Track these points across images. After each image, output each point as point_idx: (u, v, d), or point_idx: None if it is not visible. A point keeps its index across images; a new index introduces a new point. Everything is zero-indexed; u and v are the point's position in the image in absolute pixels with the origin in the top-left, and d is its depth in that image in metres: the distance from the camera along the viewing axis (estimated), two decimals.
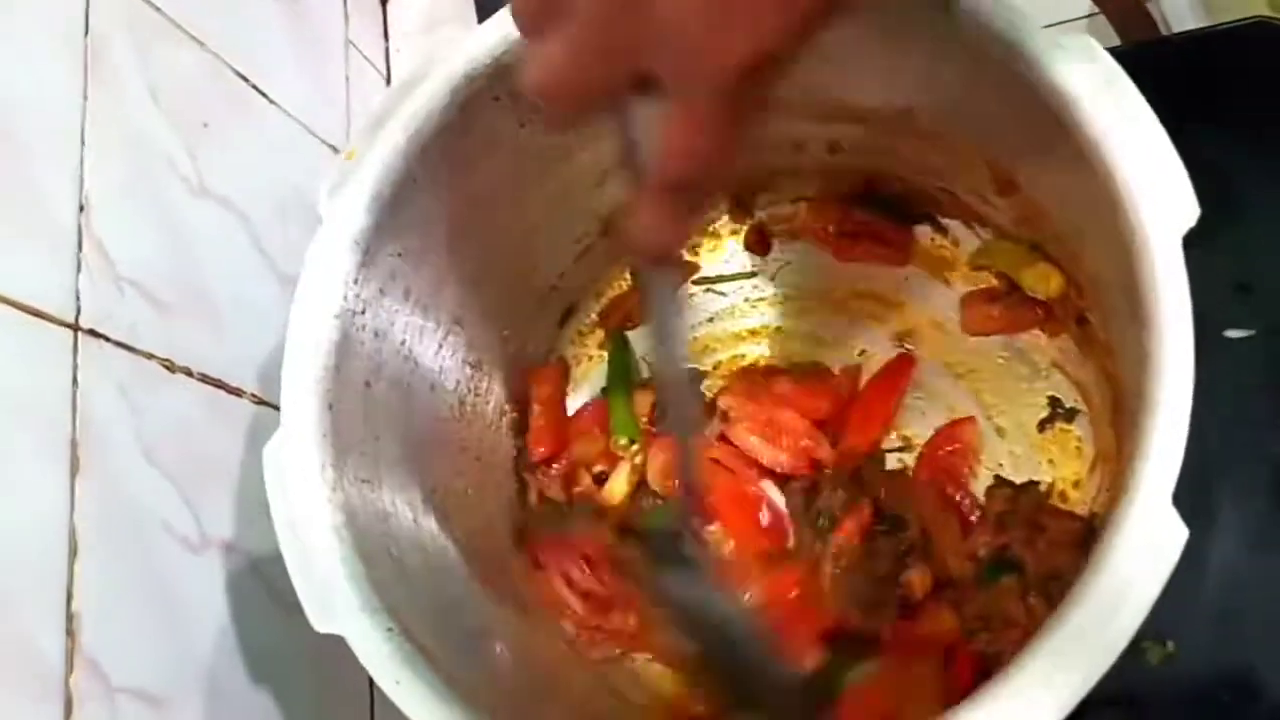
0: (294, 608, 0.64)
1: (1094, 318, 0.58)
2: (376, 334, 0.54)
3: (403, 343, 0.56)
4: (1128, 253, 0.43)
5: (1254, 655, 0.57)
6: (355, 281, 0.52)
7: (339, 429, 0.50)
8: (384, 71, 0.91)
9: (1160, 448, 0.40)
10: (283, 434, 0.50)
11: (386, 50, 0.92)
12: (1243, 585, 0.57)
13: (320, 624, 0.47)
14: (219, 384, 0.65)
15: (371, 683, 0.70)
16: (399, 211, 0.53)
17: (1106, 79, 0.45)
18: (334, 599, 0.47)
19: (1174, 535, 0.39)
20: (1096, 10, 0.76)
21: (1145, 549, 0.39)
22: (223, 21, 0.71)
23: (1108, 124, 0.44)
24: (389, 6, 0.93)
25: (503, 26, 0.51)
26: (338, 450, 0.50)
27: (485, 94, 0.53)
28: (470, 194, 0.57)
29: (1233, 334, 0.60)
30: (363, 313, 0.53)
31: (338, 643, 0.56)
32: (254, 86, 0.74)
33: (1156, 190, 0.43)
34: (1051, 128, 0.46)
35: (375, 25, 0.92)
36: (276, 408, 0.67)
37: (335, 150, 0.82)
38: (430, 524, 0.56)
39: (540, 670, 0.58)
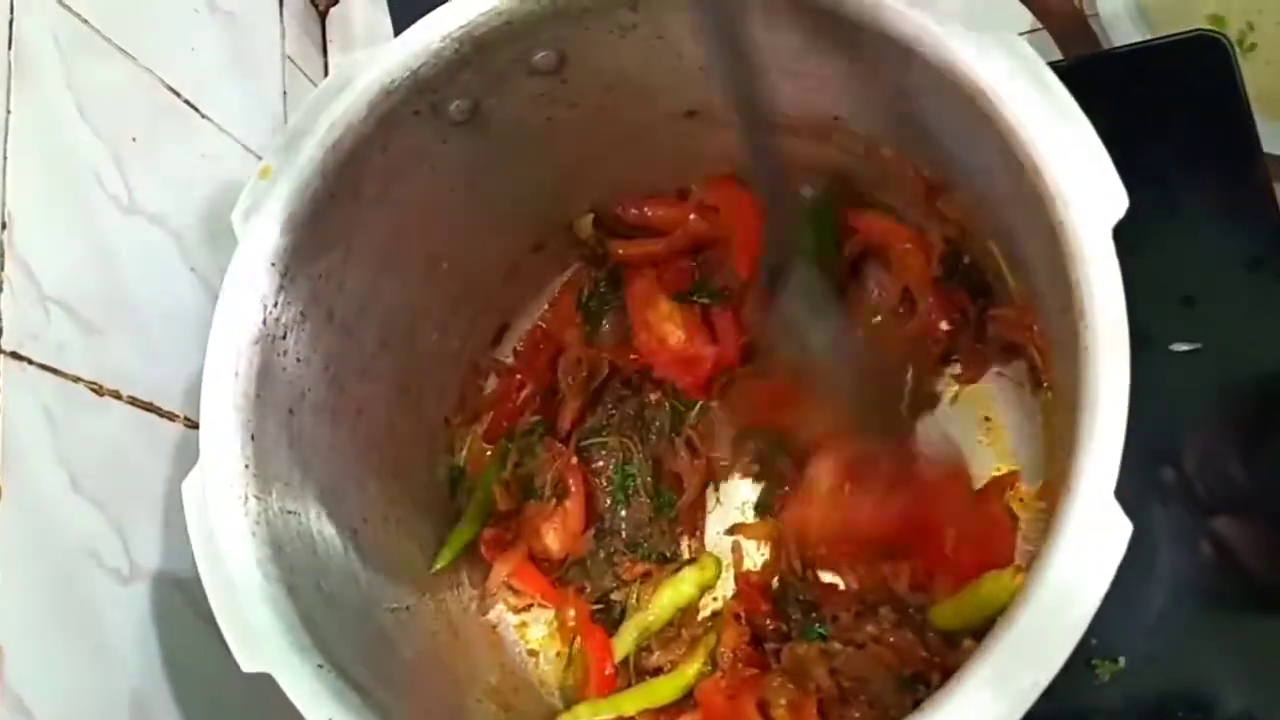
0: None
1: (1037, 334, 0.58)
2: (299, 359, 0.53)
3: (326, 368, 0.55)
4: (1059, 254, 0.43)
5: (1205, 669, 0.57)
6: (275, 305, 0.51)
7: (262, 460, 0.48)
8: None
9: (1100, 443, 0.40)
10: (202, 467, 0.48)
11: (325, 65, 0.91)
12: (1192, 600, 0.58)
13: (247, 663, 0.45)
14: (150, 407, 0.63)
15: None
16: (318, 231, 0.51)
17: (1030, 74, 0.45)
18: (260, 637, 0.45)
19: (1118, 528, 0.39)
20: (1038, 25, 0.77)
21: (1091, 544, 0.39)
22: (154, 35, 0.70)
23: (1033, 119, 0.44)
24: (327, 21, 0.91)
25: (420, 38, 0.51)
26: (260, 482, 0.48)
27: (404, 107, 0.52)
28: (394, 210, 0.56)
29: (1179, 347, 0.60)
30: (284, 337, 0.51)
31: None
32: (186, 101, 0.72)
33: (1085, 182, 0.43)
34: (977, 125, 0.46)
35: (313, 39, 0.91)
36: None
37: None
38: (362, 554, 0.55)
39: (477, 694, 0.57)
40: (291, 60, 0.86)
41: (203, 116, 0.74)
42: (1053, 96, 0.45)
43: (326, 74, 0.91)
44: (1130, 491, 0.40)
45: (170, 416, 0.64)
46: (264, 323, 0.50)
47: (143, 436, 0.63)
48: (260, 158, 0.77)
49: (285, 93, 0.84)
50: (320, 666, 0.44)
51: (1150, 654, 0.57)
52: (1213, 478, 0.58)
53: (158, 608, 0.60)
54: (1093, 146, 0.44)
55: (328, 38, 0.92)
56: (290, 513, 0.48)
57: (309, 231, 0.50)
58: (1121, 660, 0.57)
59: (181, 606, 0.62)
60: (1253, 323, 0.61)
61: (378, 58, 0.50)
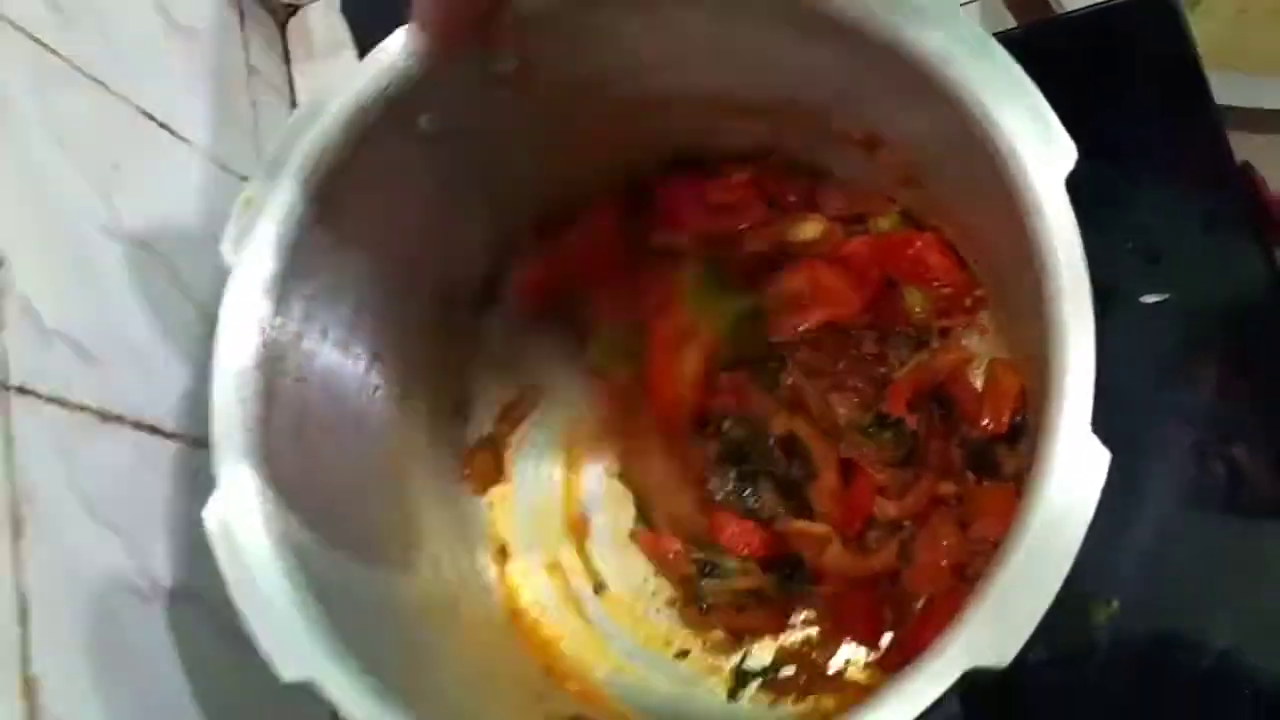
0: (248, 647, 0.65)
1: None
2: (298, 379, 0.54)
3: (325, 385, 0.57)
4: (1015, 209, 0.45)
5: (1194, 607, 0.60)
6: (271, 328, 0.52)
7: (276, 480, 0.50)
8: (289, 97, 0.91)
9: (1072, 380, 0.42)
10: (221, 493, 0.50)
11: (289, 75, 0.92)
12: (1177, 540, 0.61)
13: (288, 673, 0.47)
14: (153, 429, 0.65)
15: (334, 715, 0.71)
16: (305, 253, 0.53)
17: (970, 41, 0.47)
18: (297, 646, 0.47)
19: (1097, 458, 0.41)
20: None
21: (1072, 478, 0.41)
22: (123, 61, 0.71)
23: (975, 79, 0.46)
24: (287, 31, 0.92)
25: (386, 58, 0.53)
26: (277, 499, 0.50)
27: (377, 126, 0.53)
28: (373, 224, 0.58)
29: (1149, 299, 0.63)
30: (283, 359, 0.53)
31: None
32: (160, 123, 0.73)
33: (1033, 139, 0.45)
34: (922, 89, 0.48)
35: (275, 51, 0.92)
36: None
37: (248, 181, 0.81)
38: (380, 561, 0.57)
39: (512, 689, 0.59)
40: (257, 71, 0.87)
41: (176, 137, 0.75)
42: (995, 60, 0.47)
43: (291, 84, 0.92)
44: (1107, 440, 0.42)
45: (173, 436, 0.66)
46: (263, 346, 0.52)
47: (148, 458, 0.64)
48: (236, 174, 0.80)
49: (255, 105, 0.85)
50: (358, 669, 0.46)
51: (1141, 596, 0.59)
52: (1205, 416, 0.61)
53: (177, 624, 0.62)
54: (1038, 106, 0.46)
55: (289, 47, 0.93)
56: (309, 525, 0.50)
57: (297, 254, 0.53)
58: (1115, 603, 0.60)
59: (200, 620, 0.64)
60: (1215, 269, 0.64)
61: (348, 81, 0.52)
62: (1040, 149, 0.44)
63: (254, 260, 0.52)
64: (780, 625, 0.64)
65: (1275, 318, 0.62)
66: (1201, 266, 0.64)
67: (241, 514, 0.48)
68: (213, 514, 0.49)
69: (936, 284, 0.61)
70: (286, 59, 0.93)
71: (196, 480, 0.66)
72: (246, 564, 0.47)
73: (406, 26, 0.50)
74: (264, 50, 0.90)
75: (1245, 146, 0.68)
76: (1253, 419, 0.61)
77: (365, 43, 0.54)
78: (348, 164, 0.52)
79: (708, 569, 0.64)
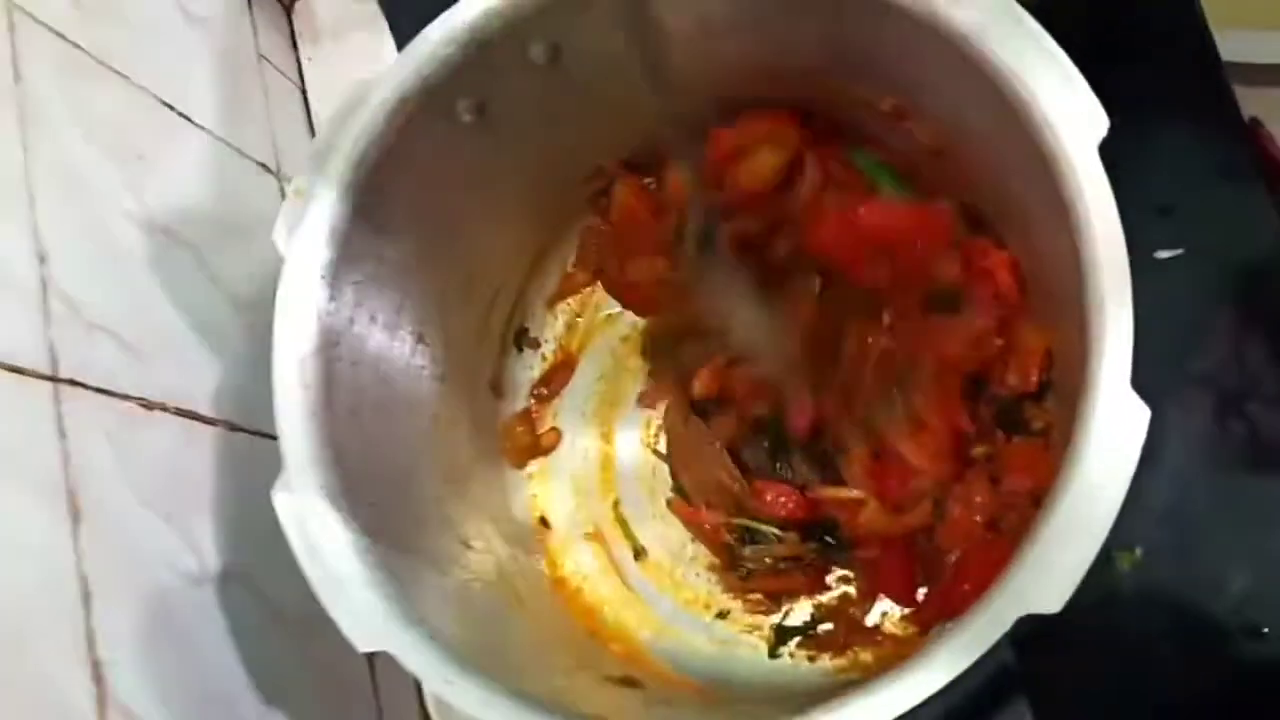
0: (293, 623, 0.67)
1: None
2: (353, 362, 0.56)
3: (377, 367, 0.59)
4: (1050, 176, 0.47)
5: (1213, 554, 0.63)
6: (327, 314, 0.54)
7: (340, 460, 0.52)
8: (298, 81, 0.92)
9: (1112, 340, 0.45)
10: (288, 475, 0.52)
11: (297, 60, 0.92)
12: (1196, 491, 0.63)
13: (363, 645, 0.49)
14: (193, 415, 0.66)
15: (375, 685, 0.73)
16: (355, 240, 0.55)
17: (1001, 9, 0.49)
18: (372, 619, 0.49)
19: (1138, 415, 0.44)
20: None
21: (1115, 434, 0.44)
22: (142, 52, 0.72)
23: (1010, 51, 0.48)
24: (294, 16, 0.93)
25: (425, 47, 0.54)
26: (344, 479, 0.52)
27: (418, 114, 0.55)
28: (415, 209, 0.59)
29: (1163, 254, 0.65)
30: (337, 344, 0.55)
31: (338, 653, 0.59)
32: (180, 113, 0.74)
33: (1067, 108, 0.47)
34: (957, 63, 0.49)
35: (283, 35, 0.92)
36: (250, 432, 0.70)
37: (263, 166, 0.82)
38: (434, 534, 0.59)
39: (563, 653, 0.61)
40: (266, 59, 0.88)
41: (196, 126, 0.76)
42: (1027, 32, 0.48)
43: (299, 68, 0.92)
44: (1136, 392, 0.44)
45: (211, 422, 0.67)
46: (320, 332, 0.54)
47: (191, 444, 0.66)
48: (252, 159, 0.81)
49: (266, 91, 0.86)
50: (430, 638, 0.48)
51: (1163, 544, 0.62)
52: (1221, 369, 0.63)
53: (227, 605, 0.64)
54: (1071, 75, 0.48)
55: (296, 30, 0.93)
56: (371, 504, 0.52)
57: (347, 242, 0.54)
58: (1138, 551, 0.62)
59: (251, 603, 0.66)
60: (1227, 224, 0.66)
61: (390, 71, 0.54)
62: (1075, 119, 0.46)
63: (307, 249, 0.53)
64: (817, 586, 0.66)
65: None
66: (1213, 221, 0.66)
67: (310, 496, 0.50)
68: (282, 497, 0.50)
69: (996, 300, 0.61)
70: (294, 44, 0.93)
71: (237, 466, 0.68)
72: (317, 544, 0.49)
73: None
74: (272, 36, 0.90)
75: (1251, 101, 0.70)
76: (1269, 371, 0.63)
77: (401, 29, 0.55)
78: (391, 152, 0.54)
79: (747, 538, 0.66)
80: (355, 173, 0.53)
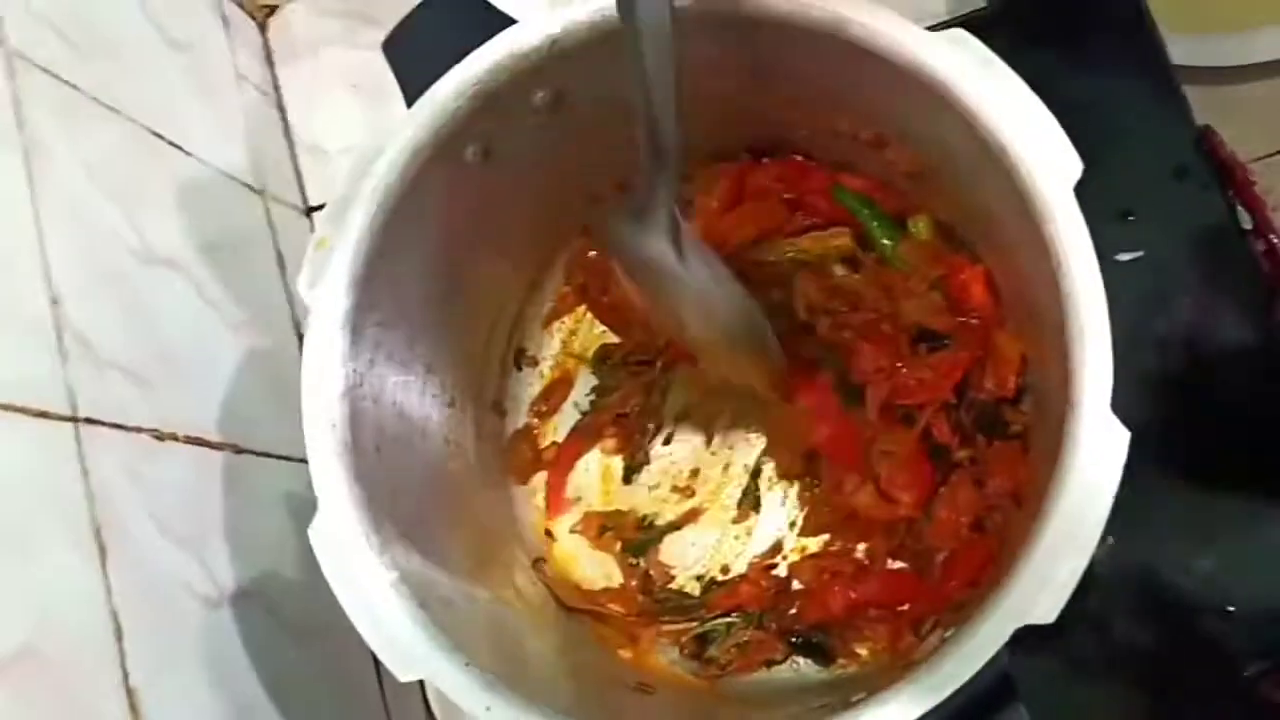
0: (304, 636, 0.70)
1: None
2: (374, 401, 0.59)
3: (394, 402, 0.61)
4: (1028, 212, 0.51)
5: (1178, 535, 0.66)
6: (350, 359, 0.57)
7: (369, 497, 0.55)
8: (275, 98, 0.93)
9: (1094, 367, 0.48)
10: (323, 515, 0.54)
11: (274, 77, 0.93)
12: (1157, 479, 0.66)
13: (403, 674, 0.52)
14: (202, 442, 0.68)
15: (383, 691, 0.76)
16: (373, 286, 0.57)
17: (981, 60, 0.52)
18: (410, 649, 0.52)
19: (1119, 437, 0.47)
20: None
21: (1098, 456, 0.47)
22: (131, 85, 0.73)
23: (986, 96, 0.51)
24: (268, 34, 0.94)
25: (438, 100, 0.57)
26: (373, 516, 0.54)
27: (430, 164, 0.58)
28: (424, 249, 0.62)
29: (1124, 257, 0.69)
30: (360, 385, 0.57)
31: (346, 662, 0.60)
32: (171, 143, 0.76)
33: (1044, 152, 0.51)
34: (937, 105, 0.53)
35: (257, 53, 0.93)
36: (253, 453, 0.72)
37: (249, 187, 0.84)
38: (454, 559, 0.61)
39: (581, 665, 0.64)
40: (244, 77, 0.89)
41: (186, 154, 0.77)
42: (1003, 78, 0.52)
43: (276, 85, 0.93)
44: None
45: (218, 447, 0.69)
46: (345, 376, 0.56)
47: (200, 470, 0.68)
48: (239, 181, 0.82)
49: (245, 110, 0.87)
50: (466, 664, 0.51)
51: (1134, 532, 0.65)
52: (1183, 364, 0.67)
53: (245, 626, 0.66)
54: (1045, 120, 0.51)
55: (271, 48, 0.94)
56: (401, 536, 0.55)
57: (366, 288, 0.57)
58: (1111, 539, 0.66)
59: (264, 619, 0.68)
60: (1183, 225, 0.70)
61: (403, 124, 0.57)
62: (1051, 162, 0.50)
63: (331, 298, 0.56)
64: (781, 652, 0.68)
65: (1241, 271, 0.67)
66: (1171, 224, 0.70)
67: (344, 532, 0.53)
68: (317, 533, 0.53)
69: (972, 314, 0.64)
70: (269, 61, 0.94)
71: (247, 488, 0.70)
72: (354, 579, 0.52)
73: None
74: (248, 54, 0.91)
75: (1200, 101, 0.73)
76: (1227, 365, 0.67)
77: (408, 81, 0.57)
78: (404, 199, 0.57)
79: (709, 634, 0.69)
80: (373, 222, 0.56)
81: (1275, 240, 0.68)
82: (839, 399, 0.68)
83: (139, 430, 0.63)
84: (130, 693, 0.56)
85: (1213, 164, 0.70)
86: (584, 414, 0.75)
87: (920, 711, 0.45)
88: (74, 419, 0.58)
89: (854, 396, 0.67)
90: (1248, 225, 0.70)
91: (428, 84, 0.56)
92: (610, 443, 0.74)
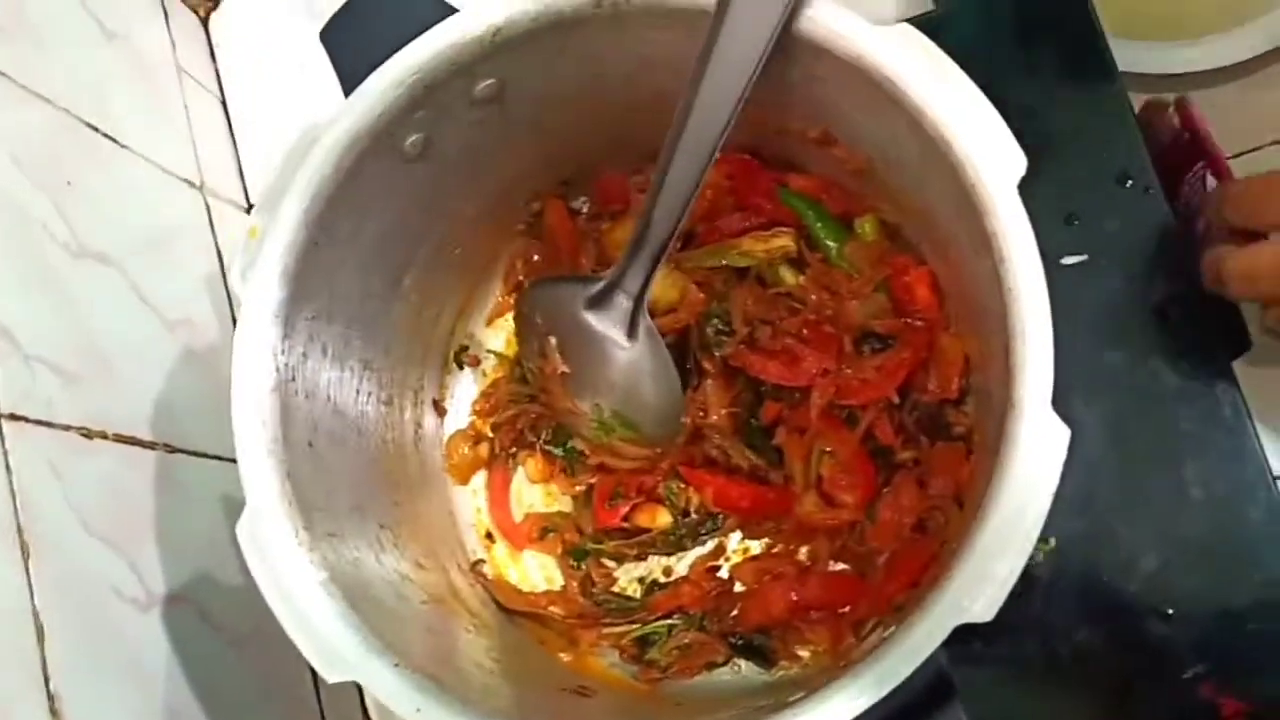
0: (237, 640, 0.69)
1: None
2: (307, 395, 0.57)
3: (329, 398, 0.60)
4: (972, 209, 0.51)
5: (1123, 535, 0.66)
6: (282, 352, 0.55)
7: (299, 493, 0.53)
8: (218, 93, 0.91)
9: (1034, 365, 0.48)
10: (251, 511, 0.53)
11: (216, 71, 0.92)
12: (1104, 478, 0.66)
13: (331, 675, 0.50)
14: (133, 440, 0.67)
15: (319, 697, 0.75)
16: (307, 278, 0.56)
17: (928, 57, 0.52)
18: (339, 651, 0.50)
19: (1059, 435, 0.47)
20: None
21: (1038, 454, 0.47)
22: (62, 73, 0.71)
23: (933, 94, 0.51)
24: (210, 27, 0.92)
25: (375, 89, 0.55)
26: (303, 513, 0.53)
27: (367, 154, 0.56)
28: (363, 243, 0.61)
29: (1068, 260, 0.69)
30: (293, 379, 0.56)
31: (282, 667, 0.59)
32: (105, 135, 0.74)
33: (988, 149, 0.50)
34: (884, 102, 0.53)
35: (201, 47, 0.92)
36: (187, 452, 0.70)
37: (189, 184, 0.82)
38: (389, 559, 0.60)
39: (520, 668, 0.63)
40: (186, 72, 0.87)
41: (120, 146, 0.76)
42: (951, 78, 0.52)
43: (219, 79, 0.92)
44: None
45: (150, 446, 0.68)
46: (277, 370, 0.55)
47: (131, 469, 0.66)
48: (176, 176, 0.81)
49: (186, 106, 0.86)
50: (396, 665, 0.49)
51: (1076, 532, 0.65)
52: (1127, 366, 0.67)
53: (175, 629, 0.65)
54: (990, 118, 0.51)
55: (213, 41, 0.93)
56: (331, 535, 0.53)
57: (300, 280, 0.56)
58: (1053, 540, 0.66)
59: (196, 623, 0.67)
60: (1128, 228, 0.70)
61: (341, 113, 0.55)
62: (996, 159, 0.50)
63: (262, 289, 0.54)
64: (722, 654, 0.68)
65: (1184, 273, 0.68)
66: (1114, 227, 0.70)
67: (272, 530, 0.51)
68: (244, 531, 0.52)
69: (917, 315, 0.64)
70: (212, 54, 0.93)
71: (179, 489, 0.69)
72: (282, 579, 0.50)
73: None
74: (190, 47, 0.90)
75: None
76: (1170, 367, 0.67)
77: (346, 71, 0.56)
78: (341, 190, 0.55)
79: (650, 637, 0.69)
80: (307, 213, 0.54)
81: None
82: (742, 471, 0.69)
83: (67, 428, 0.61)
84: (51, 697, 0.54)
85: (1192, 133, 0.71)
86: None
87: (859, 709, 0.45)
88: None
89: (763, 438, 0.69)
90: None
91: (367, 74, 0.54)
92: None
